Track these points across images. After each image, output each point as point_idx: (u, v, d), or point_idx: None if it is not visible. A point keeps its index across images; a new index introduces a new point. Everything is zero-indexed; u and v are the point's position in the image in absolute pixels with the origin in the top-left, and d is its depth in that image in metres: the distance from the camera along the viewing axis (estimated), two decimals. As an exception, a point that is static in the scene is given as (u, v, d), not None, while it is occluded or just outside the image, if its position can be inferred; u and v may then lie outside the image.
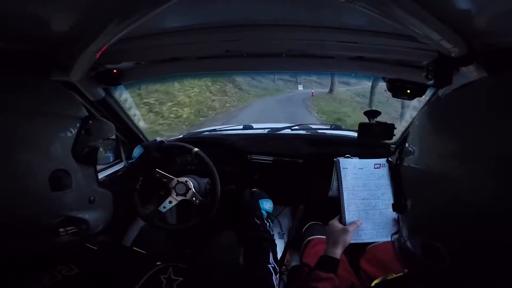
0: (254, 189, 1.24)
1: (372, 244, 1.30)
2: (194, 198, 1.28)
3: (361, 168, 1.11)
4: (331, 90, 18.00)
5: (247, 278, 0.89)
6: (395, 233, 0.65)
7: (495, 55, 0.74)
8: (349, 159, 1.14)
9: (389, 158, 0.62)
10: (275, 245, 1.04)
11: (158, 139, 1.36)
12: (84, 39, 0.78)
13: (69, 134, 0.62)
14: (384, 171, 1.10)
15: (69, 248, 0.65)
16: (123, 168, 1.71)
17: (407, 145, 0.55)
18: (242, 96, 15.95)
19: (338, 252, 0.98)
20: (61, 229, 0.61)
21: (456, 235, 0.43)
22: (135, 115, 1.69)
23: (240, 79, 15.53)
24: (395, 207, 0.61)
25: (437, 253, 0.45)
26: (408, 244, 0.54)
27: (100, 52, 0.84)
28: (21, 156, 0.54)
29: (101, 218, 0.71)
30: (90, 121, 0.67)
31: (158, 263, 0.68)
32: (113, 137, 1.72)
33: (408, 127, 1.54)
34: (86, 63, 0.90)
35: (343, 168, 1.10)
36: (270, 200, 1.18)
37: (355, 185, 1.09)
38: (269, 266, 0.94)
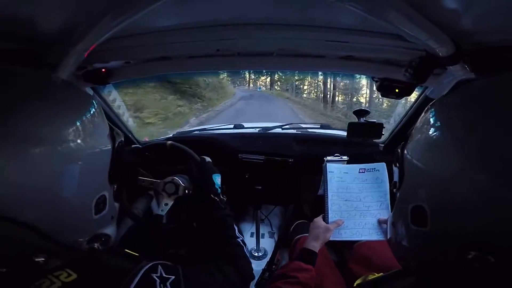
0: (205, 159, 1.22)
1: (358, 242, 1.33)
2: (186, 191, 1.27)
3: (347, 172, 1.19)
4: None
5: (224, 258, 0.89)
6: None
7: (481, 54, 0.76)
8: (336, 164, 1.21)
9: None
10: (233, 219, 1.06)
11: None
12: (72, 38, 0.77)
13: (109, 156, 0.66)
14: (368, 175, 1.17)
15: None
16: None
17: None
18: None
19: (317, 247, 1.05)
20: (92, 245, 0.66)
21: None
22: (123, 114, 1.67)
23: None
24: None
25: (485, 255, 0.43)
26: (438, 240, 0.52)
27: (88, 51, 0.83)
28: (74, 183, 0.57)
29: (115, 231, 0.76)
30: (119, 140, 0.71)
31: (146, 262, 0.69)
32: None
33: (397, 126, 1.56)
34: (73, 62, 0.88)
35: (330, 172, 1.18)
36: (219, 174, 1.17)
37: (340, 187, 1.17)
38: (238, 240, 0.97)
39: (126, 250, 0.86)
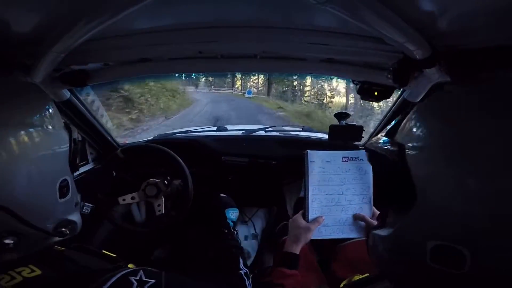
0: (223, 195, 1.25)
1: (342, 243, 1.32)
2: (158, 206, 1.30)
3: (329, 161, 1.09)
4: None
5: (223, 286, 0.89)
6: (373, 230, 0.63)
7: (456, 56, 0.78)
8: (319, 152, 1.11)
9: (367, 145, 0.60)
10: (244, 253, 1.08)
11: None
12: (48, 40, 0.75)
13: (65, 145, 0.71)
14: (351, 165, 1.09)
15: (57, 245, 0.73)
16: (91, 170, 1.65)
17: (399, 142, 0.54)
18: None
19: (298, 249, 1.01)
20: (63, 229, 0.69)
21: (476, 238, 0.42)
22: (102, 116, 1.64)
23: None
24: (388, 202, 0.60)
25: (456, 258, 0.42)
26: (403, 245, 0.52)
27: (65, 53, 0.81)
28: (37, 165, 0.61)
29: (80, 219, 0.78)
30: (72, 129, 0.75)
31: (130, 266, 0.70)
32: (79, 138, 1.66)
33: (376, 129, 1.59)
34: (49, 64, 0.86)
35: (311, 161, 1.08)
36: (237, 209, 1.21)
37: (321, 179, 1.08)
38: (241, 272, 0.96)
39: (103, 251, 0.85)
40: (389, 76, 0.96)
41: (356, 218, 1.06)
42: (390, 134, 0.58)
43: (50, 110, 0.71)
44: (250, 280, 0.96)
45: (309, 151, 1.09)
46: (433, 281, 0.47)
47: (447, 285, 0.46)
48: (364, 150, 1.10)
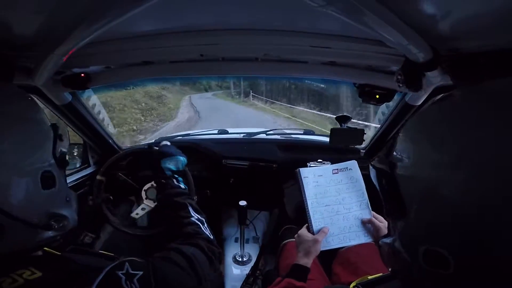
0: (156, 147, 1.23)
1: (343, 248, 1.32)
2: None
3: (321, 175, 1.15)
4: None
5: (182, 241, 0.88)
6: (384, 237, 0.65)
7: (458, 60, 0.78)
8: (309, 168, 1.18)
9: (374, 163, 0.62)
10: (192, 198, 1.07)
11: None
12: (49, 43, 0.75)
13: (48, 140, 0.69)
14: (342, 176, 1.15)
15: (50, 244, 0.70)
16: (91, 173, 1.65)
17: (397, 152, 0.55)
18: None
19: (309, 262, 1.01)
20: (51, 222, 0.66)
21: (459, 240, 0.43)
22: (103, 119, 1.64)
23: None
24: (389, 213, 0.60)
25: (442, 260, 0.44)
26: (404, 250, 0.53)
27: (67, 56, 0.81)
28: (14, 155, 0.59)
29: (74, 216, 0.75)
30: (59, 127, 0.73)
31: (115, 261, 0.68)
32: (81, 142, 1.66)
33: (378, 132, 1.59)
34: (51, 67, 0.86)
35: (304, 177, 1.15)
36: (177, 157, 1.17)
37: (317, 192, 1.13)
38: (192, 219, 0.95)
39: (101, 251, 0.86)
40: (399, 78, 0.94)
41: (365, 222, 1.08)
42: (393, 145, 0.58)
43: (25, 102, 0.69)
44: (206, 225, 0.97)
45: (300, 168, 1.17)
46: (431, 282, 0.49)
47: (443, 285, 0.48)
48: (352, 161, 1.16)
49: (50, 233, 0.66)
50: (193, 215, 0.97)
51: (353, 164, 1.16)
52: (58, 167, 0.70)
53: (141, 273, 0.66)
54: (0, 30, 0.68)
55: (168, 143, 1.24)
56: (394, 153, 0.55)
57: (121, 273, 0.64)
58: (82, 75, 1.14)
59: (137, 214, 1.32)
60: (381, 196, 0.63)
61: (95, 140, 1.63)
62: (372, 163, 0.64)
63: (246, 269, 1.55)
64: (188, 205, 1.00)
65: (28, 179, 0.61)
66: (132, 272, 0.66)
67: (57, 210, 0.69)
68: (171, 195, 1.02)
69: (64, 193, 0.73)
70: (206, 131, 2.22)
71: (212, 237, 0.95)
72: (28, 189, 0.61)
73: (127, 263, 0.67)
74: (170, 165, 1.13)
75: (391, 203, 0.58)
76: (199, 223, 0.95)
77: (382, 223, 1.03)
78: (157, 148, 1.22)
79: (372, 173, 0.65)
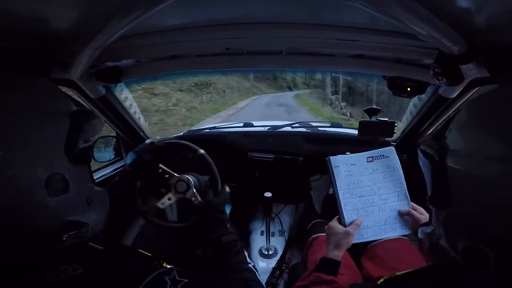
0: (226, 188, 1.25)
1: (373, 243, 1.30)
2: (193, 198, 1.29)
3: (354, 164, 1.07)
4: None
5: (236, 284, 0.89)
6: (423, 225, 0.63)
7: (495, 53, 0.74)
8: (340, 156, 1.08)
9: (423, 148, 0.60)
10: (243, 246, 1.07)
11: (148, 141, 1.36)
12: (84, 37, 0.79)
13: (59, 133, 0.58)
14: (377, 164, 1.06)
15: (72, 250, 0.63)
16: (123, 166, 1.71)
17: (448, 141, 0.54)
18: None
19: (340, 255, 0.96)
20: (64, 235, 0.58)
21: (504, 238, 0.42)
22: (135, 112, 1.70)
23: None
24: (433, 201, 0.59)
25: (482, 256, 0.43)
26: (444, 241, 0.52)
27: (100, 50, 0.84)
28: (12, 161, 0.50)
29: (100, 218, 0.68)
30: (80, 116, 0.62)
31: (164, 265, 0.70)
32: (114, 134, 1.73)
33: (409, 125, 1.54)
34: (86, 60, 0.90)
35: (335, 166, 1.06)
36: (230, 205, 1.20)
37: (350, 182, 1.05)
38: (250, 265, 0.96)
39: (139, 250, 0.87)
40: (437, 71, 0.88)
41: (402, 214, 1.00)
42: (439, 134, 0.57)
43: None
44: (258, 273, 0.96)
45: (330, 157, 1.07)
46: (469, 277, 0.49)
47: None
48: (389, 147, 1.07)
49: (66, 243, 0.58)
50: (249, 261, 0.98)
51: (391, 151, 1.06)
52: (75, 163, 0.60)
53: (186, 280, 0.67)
54: (40, 26, 0.72)
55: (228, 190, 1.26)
56: (446, 142, 0.54)
57: (168, 278, 0.65)
58: (115, 69, 1.19)
59: (163, 204, 1.35)
60: (427, 182, 0.61)
61: (127, 132, 1.69)
62: (421, 147, 0.62)
63: (272, 262, 1.55)
64: (245, 252, 1.02)
65: (29, 186, 0.52)
66: (178, 279, 0.66)
67: (73, 218, 0.60)
68: (232, 240, 1.01)
69: (84, 195, 0.63)
70: (231, 124, 2.24)
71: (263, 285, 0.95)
72: (29, 197, 0.52)
73: (175, 271, 0.68)
74: (228, 211, 1.16)
75: (437, 190, 0.57)
76: (254, 270, 0.95)
77: (422, 215, 0.96)
78: (227, 188, 1.25)
79: (421, 159, 0.63)
